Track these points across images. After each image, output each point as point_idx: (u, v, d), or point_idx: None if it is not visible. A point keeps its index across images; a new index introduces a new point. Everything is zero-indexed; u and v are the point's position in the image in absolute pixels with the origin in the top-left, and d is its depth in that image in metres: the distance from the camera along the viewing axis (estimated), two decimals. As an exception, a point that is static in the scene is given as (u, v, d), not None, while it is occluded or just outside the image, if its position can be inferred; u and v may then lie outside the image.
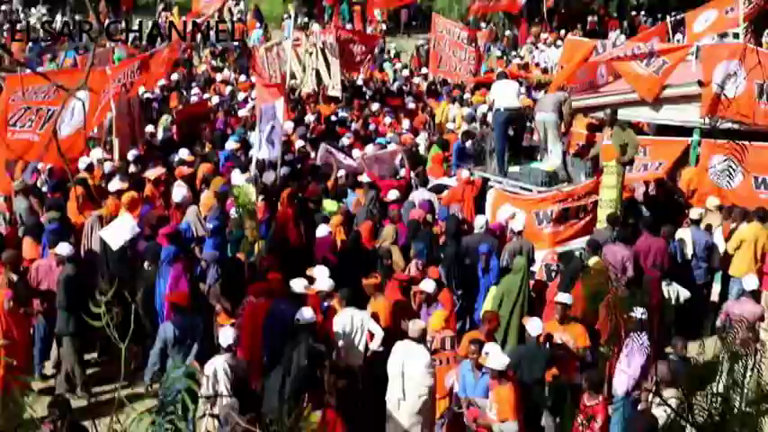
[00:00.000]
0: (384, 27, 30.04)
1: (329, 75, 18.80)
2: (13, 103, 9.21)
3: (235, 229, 11.81)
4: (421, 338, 8.96)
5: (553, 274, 11.31)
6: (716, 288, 12.49)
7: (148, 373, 9.46)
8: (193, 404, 3.66)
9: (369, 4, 19.65)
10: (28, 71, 20.62)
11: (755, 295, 10.68)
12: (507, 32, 28.06)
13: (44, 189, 13.84)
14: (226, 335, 8.90)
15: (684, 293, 11.00)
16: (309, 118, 18.96)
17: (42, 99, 9.53)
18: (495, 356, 8.29)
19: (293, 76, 18.36)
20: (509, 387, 8.16)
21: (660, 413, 8.59)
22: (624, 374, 9.20)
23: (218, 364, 8.68)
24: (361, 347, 9.58)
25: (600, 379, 8.60)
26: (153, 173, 13.78)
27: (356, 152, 16.15)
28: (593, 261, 11.01)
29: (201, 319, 9.89)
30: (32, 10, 32.60)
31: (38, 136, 9.26)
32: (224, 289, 10.68)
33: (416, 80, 25.14)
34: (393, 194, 13.27)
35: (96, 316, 3.49)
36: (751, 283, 10.69)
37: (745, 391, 3.87)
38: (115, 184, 12.96)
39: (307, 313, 8.96)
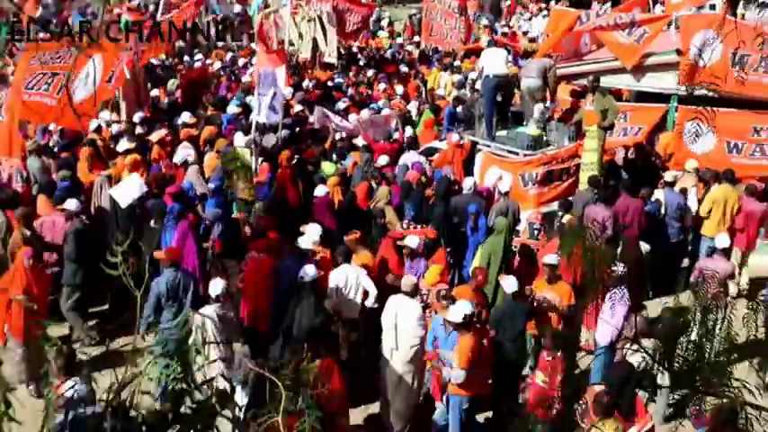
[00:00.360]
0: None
1: (326, 42, 18.60)
2: (30, 67, 9.05)
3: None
4: (413, 293, 8.96)
5: (536, 233, 11.30)
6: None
7: (143, 324, 9.29)
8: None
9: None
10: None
11: (726, 253, 10.67)
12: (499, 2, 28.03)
13: (56, 149, 13.82)
14: (215, 286, 8.92)
15: (646, 247, 10.93)
16: (307, 83, 18.87)
17: (59, 64, 9.29)
18: (453, 310, 8.27)
19: (291, 44, 18.17)
20: (468, 338, 8.12)
21: (635, 360, 8.68)
22: (607, 326, 9.26)
23: (208, 314, 8.66)
24: (358, 301, 9.57)
25: (563, 336, 8.57)
26: (157, 135, 13.70)
27: (352, 116, 16.06)
28: (566, 219, 10.99)
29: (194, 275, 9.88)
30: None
31: (54, 100, 9.12)
32: (225, 246, 10.68)
33: (409, 48, 25.04)
34: (383, 160, 13.18)
35: (112, 266, 3.46)
36: (723, 241, 10.69)
37: (716, 340, 3.88)
38: (123, 145, 12.97)
39: (310, 270, 8.95)
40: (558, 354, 8.24)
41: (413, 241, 10.14)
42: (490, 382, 8.70)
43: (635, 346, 8.50)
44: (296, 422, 3.58)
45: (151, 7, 26.20)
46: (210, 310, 8.76)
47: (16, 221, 10.45)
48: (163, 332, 9.04)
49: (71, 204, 10.68)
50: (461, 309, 8.22)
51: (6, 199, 11.23)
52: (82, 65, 9.37)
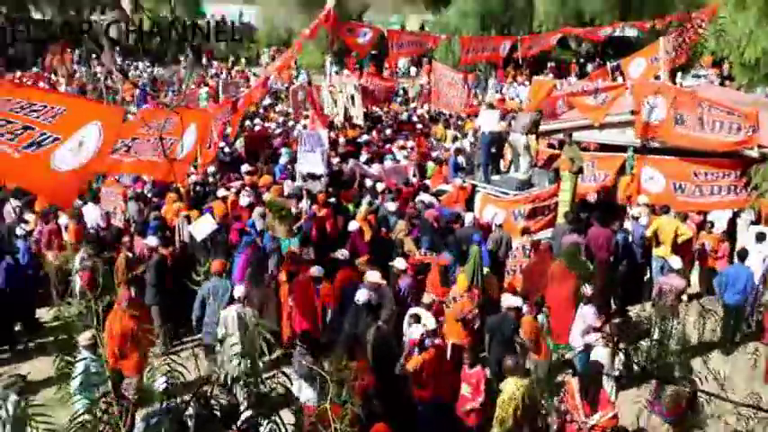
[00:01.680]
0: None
1: (354, 108, 18.80)
2: (142, 131, 8.78)
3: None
4: (428, 307, 9.15)
5: (527, 252, 11.27)
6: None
7: (194, 317, 9.81)
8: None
9: (391, 55, 19.65)
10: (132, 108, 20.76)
11: (680, 272, 10.65)
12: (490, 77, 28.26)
13: (149, 195, 14.02)
14: (238, 289, 9.23)
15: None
16: (342, 140, 19.01)
17: (32, 117, 8.46)
18: (414, 329, 8.33)
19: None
20: (425, 353, 8.11)
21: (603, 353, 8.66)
22: (578, 333, 9.26)
23: (230, 312, 8.98)
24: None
25: (476, 355, 8.38)
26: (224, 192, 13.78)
27: (375, 166, 16.20)
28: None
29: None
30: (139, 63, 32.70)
31: (159, 158, 8.95)
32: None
33: (420, 111, 25.20)
34: (392, 206, 13.00)
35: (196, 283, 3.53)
36: (675, 263, 10.68)
37: (674, 340, 3.90)
38: (220, 193, 13.32)
39: (361, 296, 9.00)
40: (478, 367, 8.13)
41: (400, 264, 10.23)
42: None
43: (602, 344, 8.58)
44: (340, 410, 3.61)
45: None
46: (233, 309, 8.98)
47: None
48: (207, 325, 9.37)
49: (152, 241, 10.88)
50: (418, 330, 8.22)
51: (114, 234, 11.46)
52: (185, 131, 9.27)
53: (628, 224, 12.28)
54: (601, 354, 8.30)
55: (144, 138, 8.25)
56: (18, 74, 26.43)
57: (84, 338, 7.68)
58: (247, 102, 12.57)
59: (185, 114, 8.66)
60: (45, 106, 6.00)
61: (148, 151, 8.44)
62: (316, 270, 9.91)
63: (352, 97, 18.57)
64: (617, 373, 8.45)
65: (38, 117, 5.98)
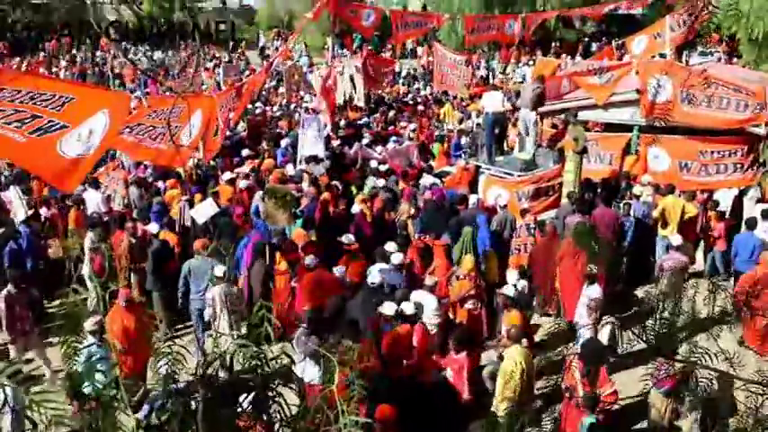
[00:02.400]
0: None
1: (355, 90, 18.68)
2: (148, 118, 8.72)
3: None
4: (431, 289, 9.10)
5: (531, 231, 11.26)
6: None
7: (180, 293, 10.06)
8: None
9: (395, 37, 19.52)
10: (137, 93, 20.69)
11: (681, 249, 10.64)
12: (493, 59, 28.13)
13: (150, 180, 14.00)
14: (218, 269, 9.37)
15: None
16: (343, 122, 18.96)
17: (41, 107, 8.45)
18: (387, 306, 8.42)
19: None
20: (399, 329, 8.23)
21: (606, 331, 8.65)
22: (584, 310, 9.24)
23: (216, 292, 9.22)
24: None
25: (464, 338, 8.36)
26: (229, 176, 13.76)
27: (378, 148, 16.15)
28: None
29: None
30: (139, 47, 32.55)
31: (165, 145, 8.91)
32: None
33: (423, 92, 25.05)
34: (380, 182, 13.12)
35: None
36: (676, 240, 10.71)
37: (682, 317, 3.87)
38: (227, 176, 13.24)
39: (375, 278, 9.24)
40: (463, 354, 8.13)
41: (390, 246, 10.27)
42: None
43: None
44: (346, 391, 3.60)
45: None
46: (217, 289, 9.20)
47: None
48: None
49: (153, 227, 10.94)
50: (391, 306, 8.33)
51: (117, 219, 11.47)
52: (189, 116, 9.26)
53: (631, 203, 12.21)
54: (603, 332, 8.33)
55: (149, 124, 8.26)
56: (23, 59, 26.25)
57: (89, 324, 7.69)
58: (252, 87, 12.47)
59: (192, 101, 8.67)
60: (54, 95, 6.12)
61: (155, 138, 8.44)
62: (308, 260, 9.80)
63: (352, 78, 18.45)
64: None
65: (46, 106, 6.10)
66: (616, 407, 7.62)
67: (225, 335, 8.03)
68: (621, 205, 12.03)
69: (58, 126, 6.21)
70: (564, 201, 12.35)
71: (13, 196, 12.15)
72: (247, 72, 25.42)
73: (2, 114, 5.92)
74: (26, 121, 6.01)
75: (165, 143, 8.66)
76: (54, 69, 25.74)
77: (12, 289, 9.21)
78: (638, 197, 12.23)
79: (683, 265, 10.50)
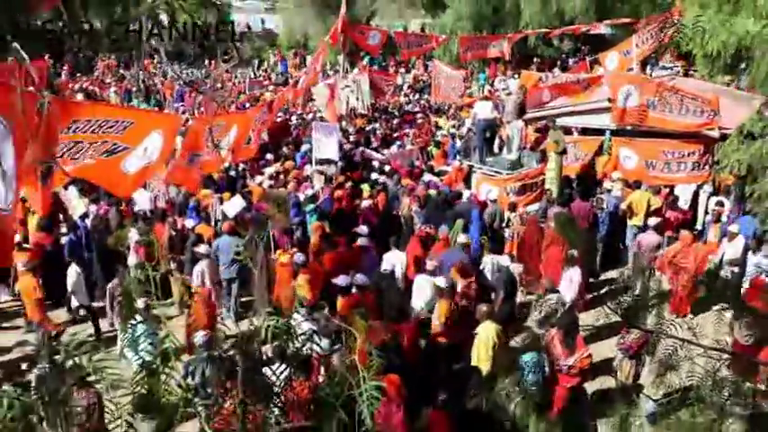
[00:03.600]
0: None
1: (358, 101, 18.59)
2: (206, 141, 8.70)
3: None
4: (432, 273, 9.05)
5: (523, 220, 11.31)
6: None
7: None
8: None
9: (402, 54, 19.54)
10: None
11: (656, 229, 10.76)
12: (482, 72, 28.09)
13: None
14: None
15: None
16: (350, 129, 18.92)
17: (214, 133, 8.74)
18: None
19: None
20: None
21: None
22: (567, 290, 9.27)
23: (201, 265, 9.63)
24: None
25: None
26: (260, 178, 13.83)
27: (385, 151, 16.18)
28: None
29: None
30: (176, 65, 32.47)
31: (210, 156, 9.08)
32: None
33: (422, 102, 24.95)
34: (382, 178, 13.03)
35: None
36: (653, 221, 10.89)
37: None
38: (258, 178, 13.55)
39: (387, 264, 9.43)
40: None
41: (363, 229, 10.51)
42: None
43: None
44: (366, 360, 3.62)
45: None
46: (203, 263, 9.65)
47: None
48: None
49: (189, 222, 11.15)
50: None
51: (160, 214, 11.51)
52: (227, 131, 9.46)
53: (603, 196, 12.21)
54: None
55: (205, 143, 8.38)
56: (78, 79, 26.29)
57: (139, 303, 7.75)
58: (280, 104, 12.50)
59: (229, 119, 8.83)
60: (117, 121, 6.37)
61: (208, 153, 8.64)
62: (297, 257, 9.68)
63: (360, 90, 18.29)
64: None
65: (111, 131, 6.35)
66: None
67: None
68: (595, 199, 12.05)
69: (121, 148, 6.49)
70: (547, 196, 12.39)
71: (72, 195, 12.21)
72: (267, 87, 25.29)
73: (80, 147, 6.20)
74: (98, 147, 6.30)
75: (212, 155, 8.85)
76: (109, 88, 25.69)
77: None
78: (609, 191, 12.24)
79: (658, 242, 10.64)
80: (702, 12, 10.60)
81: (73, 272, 9.69)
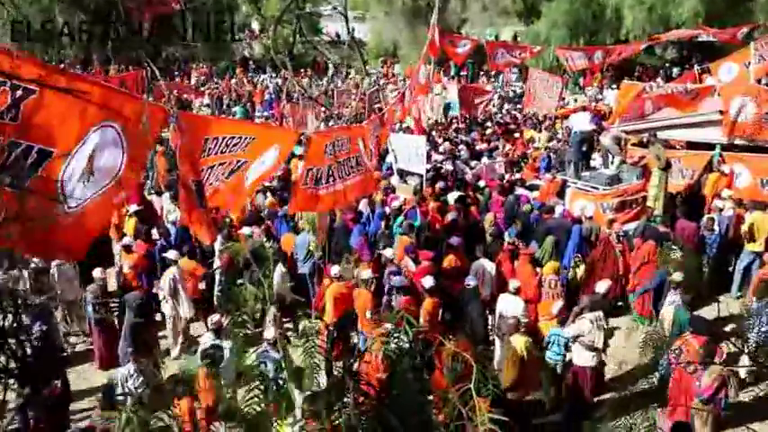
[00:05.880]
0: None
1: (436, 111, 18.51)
2: (329, 158, 8.19)
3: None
4: (516, 292, 8.92)
5: (620, 238, 10.90)
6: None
7: None
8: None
9: (490, 65, 19.42)
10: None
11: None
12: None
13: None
14: (169, 254, 9.97)
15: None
16: (440, 140, 18.81)
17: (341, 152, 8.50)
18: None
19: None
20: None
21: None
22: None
23: (171, 272, 9.73)
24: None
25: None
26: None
27: (474, 163, 16.07)
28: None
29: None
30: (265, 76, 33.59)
31: (362, 174, 8.89)
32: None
33: (514, 113, 24.59)
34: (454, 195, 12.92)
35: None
36: None
37: None
38: None
39: (471, 281, 9.22)
40: None
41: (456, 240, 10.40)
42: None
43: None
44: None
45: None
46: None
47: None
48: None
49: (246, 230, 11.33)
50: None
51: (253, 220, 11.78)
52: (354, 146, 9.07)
53: (714, 216, 11.57)
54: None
55: (338, 158, 8.21)
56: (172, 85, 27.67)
57: (210, 322, 7.96)
58: (390, 117, 12.54)
59: (351, 133, 8.80)
60: (241, 138, 6.51)
61: (351, 171, 8.51)
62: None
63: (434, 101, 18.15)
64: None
65: (237, 149, 6.51)
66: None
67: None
68: (705, 219, 11.45)
69: (242, 162, 6.64)
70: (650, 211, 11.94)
71: (165, 201, 12.79)
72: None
73: (215, 172, 6.40)
74: (225, 167, 6.48)
75: (363, 173, 8.78)
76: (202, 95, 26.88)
77: None
78: (720, 210, 11.61)
79: None
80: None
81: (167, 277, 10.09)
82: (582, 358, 8.11)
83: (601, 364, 8.27)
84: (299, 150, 10.69)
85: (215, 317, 8.07)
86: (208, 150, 6.15)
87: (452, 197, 12.86)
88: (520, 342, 7.67)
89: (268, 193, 13.26)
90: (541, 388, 7.75)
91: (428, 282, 8.81)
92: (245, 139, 6.52)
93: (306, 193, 7.80)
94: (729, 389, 6.97)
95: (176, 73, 31.62)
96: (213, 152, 6.22)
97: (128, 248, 10.57)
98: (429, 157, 15.83)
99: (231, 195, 6.80)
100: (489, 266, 9.86)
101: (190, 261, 10.53)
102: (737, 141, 12.69)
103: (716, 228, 11.23)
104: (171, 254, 10.04)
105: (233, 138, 6.37)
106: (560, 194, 13.37)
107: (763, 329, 3.20)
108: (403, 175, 14.48)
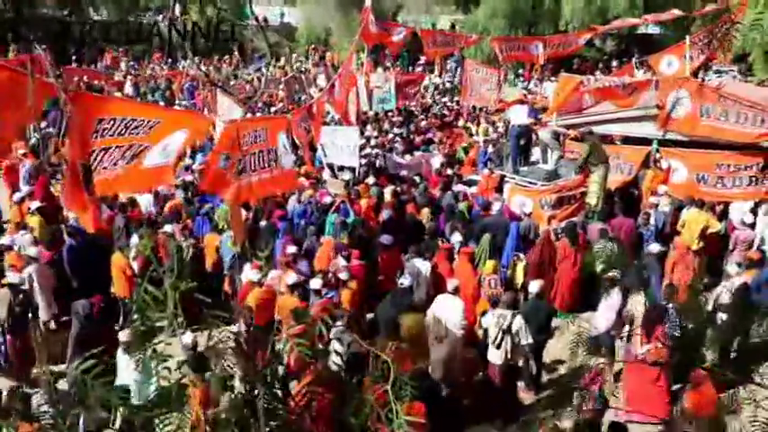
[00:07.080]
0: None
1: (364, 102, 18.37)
2: (246, 148, 8.10)
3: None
4: (455, 292, 8.81)
5: (558, 236, 11.10)
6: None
7: None
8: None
9: (426, 54, 19.49)
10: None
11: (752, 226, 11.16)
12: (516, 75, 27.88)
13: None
14: (30, 251, 9.32)
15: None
16: (374, 134, 18.78)
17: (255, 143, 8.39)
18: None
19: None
20: None
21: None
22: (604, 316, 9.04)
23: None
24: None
25: None
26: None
27: (407, 156, 16.10)
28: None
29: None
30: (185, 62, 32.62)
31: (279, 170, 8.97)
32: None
33: (449, 104, 24.76)
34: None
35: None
36: (749, 218, 11.31)
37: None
38: None
39: (404, 281, 9.17)
40: None
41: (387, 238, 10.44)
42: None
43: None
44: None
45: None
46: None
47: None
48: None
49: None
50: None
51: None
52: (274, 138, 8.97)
53: (650, 212, 11.92)
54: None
55: (249, 151, 8.03)
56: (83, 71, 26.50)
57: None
58: (321, 107, 12.34)
59: (270, 124, 8.60)
60: (144, 120, 6.36)
61: (265, 164, 8.33)
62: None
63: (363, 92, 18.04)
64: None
65: (137, 133, 6.35)
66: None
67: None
68: (641, 216, 11.79)
69: (143, 147, 6.52)
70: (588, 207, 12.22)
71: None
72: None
73: (111, 155, 6.24)
74: (124, 153, 6.36)
75: (277, 170, 8.61)
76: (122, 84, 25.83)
77: None
78: (656, 207, 11.97)
79: (752, 239, 10.81)
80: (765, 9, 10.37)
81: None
82: (491, 354, 8.33)
83: (507, 363, 8.30)
84: None
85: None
86: (102, 131, 5.96)
87: (388, 192, 12.83)
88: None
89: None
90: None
91: (290, 278, 8.76)
92: (149, 122, 6.38)
93: (217, 173, 7.80)
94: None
95: (86, 55, 30.24)
96: (108, 133, 6.03)
97: (8, 248, 9.83)
98: (362, 149, 15.77)
99: (132, 180, 6.74)
100: (424, 267, 9.82)
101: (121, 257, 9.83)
102: (672, 137, 13.09)
103: (652, 223, 11.57)
104: (31, 251, 9.23)
105: (134, 120, 6.21)
106: (499, 189, 13.54)
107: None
108: (334, 169, 14.34)
